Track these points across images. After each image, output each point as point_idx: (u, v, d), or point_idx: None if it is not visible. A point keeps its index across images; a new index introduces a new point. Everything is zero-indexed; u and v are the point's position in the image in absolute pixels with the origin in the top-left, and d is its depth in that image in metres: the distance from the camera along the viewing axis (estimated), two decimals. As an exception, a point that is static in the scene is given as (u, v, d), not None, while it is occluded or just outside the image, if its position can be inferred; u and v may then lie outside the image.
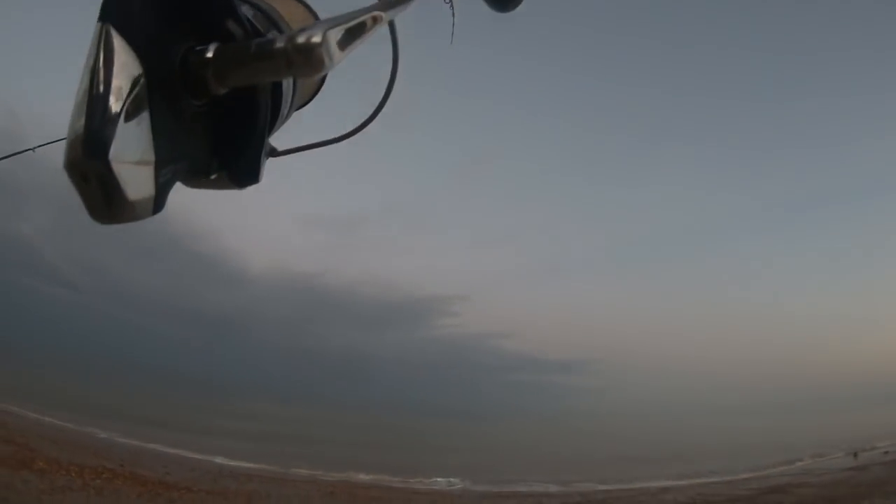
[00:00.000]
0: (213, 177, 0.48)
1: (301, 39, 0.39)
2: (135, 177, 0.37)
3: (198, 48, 0.42)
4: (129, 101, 0.36)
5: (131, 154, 0.36)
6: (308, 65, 0.39)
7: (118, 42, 0.36)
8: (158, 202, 0.39)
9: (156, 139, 0.38)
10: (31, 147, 3.43)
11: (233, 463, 13.16)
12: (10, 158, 3.54)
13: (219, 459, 13.42)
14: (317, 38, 0.39)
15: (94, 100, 0.35)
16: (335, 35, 0.40)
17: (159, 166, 0.39)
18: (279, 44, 0.39)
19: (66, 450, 9.42)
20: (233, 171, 0.48)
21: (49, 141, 3.30)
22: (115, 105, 0.35)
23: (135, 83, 0.36)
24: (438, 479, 14.08)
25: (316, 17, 0.62)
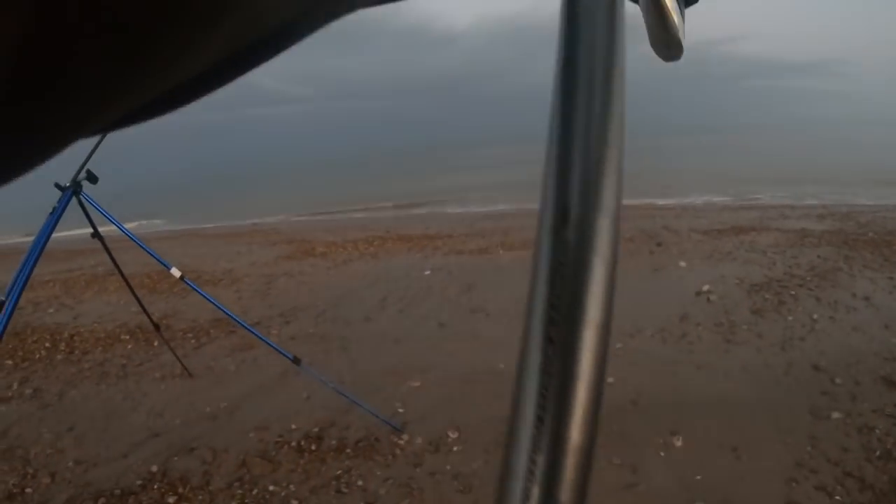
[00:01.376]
0: None
1: None
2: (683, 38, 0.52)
3: None
4: (674, 4, 0.51)
5: (682, 27, 0.53)
6: None
7: None
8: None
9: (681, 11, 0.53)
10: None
11: (485, 209, 13.81)
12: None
13: (473, 208, 14.21)
14: None
15: (670, 16, 0.50)
16: None
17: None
18: None
19: (338, 234, 10.46)
20: None
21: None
22: (681, 17, 0.52)
23: None
24: (680, 198, 13.84)
25: None
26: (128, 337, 5.54)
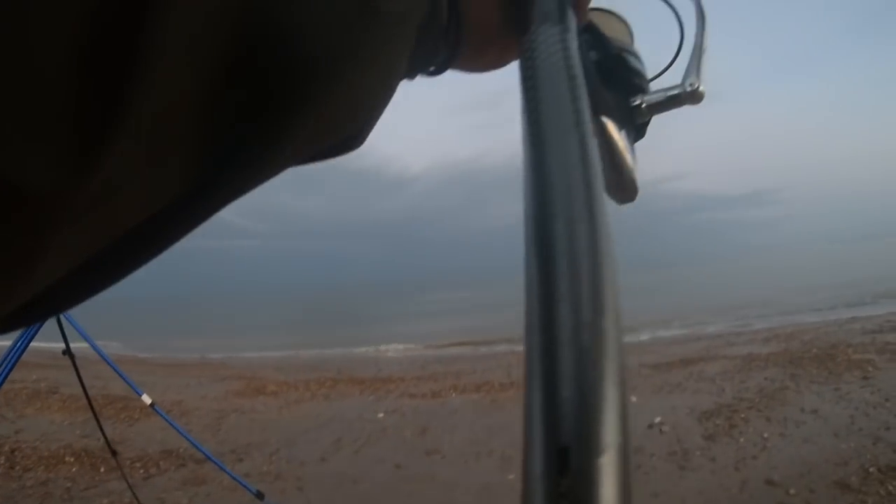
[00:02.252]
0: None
1: (695, 88, 0.57)
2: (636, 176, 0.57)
3: (633, 102, 0.59)
4: (626, 147, 0.56)
5: (635, 167, 0.57)
6: (696, 101, 0.57)
7: (607, 121, 0.54)
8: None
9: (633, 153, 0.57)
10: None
11: (436, 352, 13.82)
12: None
13: (422, 349, 14.20)
14: (702, 87, 0.57)
15: (623, 158, 0.55)
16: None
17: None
18: (679, 91, 0.57)
19: (289, 373, 10.33)
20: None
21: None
22: (633, 157, 0.57)
23: (620, 132, 0.55)
24: (628, 336, 14.00)
25: (629, 27, 0.71)
26: (72, 459, 5.30)
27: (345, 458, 5.60)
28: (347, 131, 0.33)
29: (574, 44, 0.40)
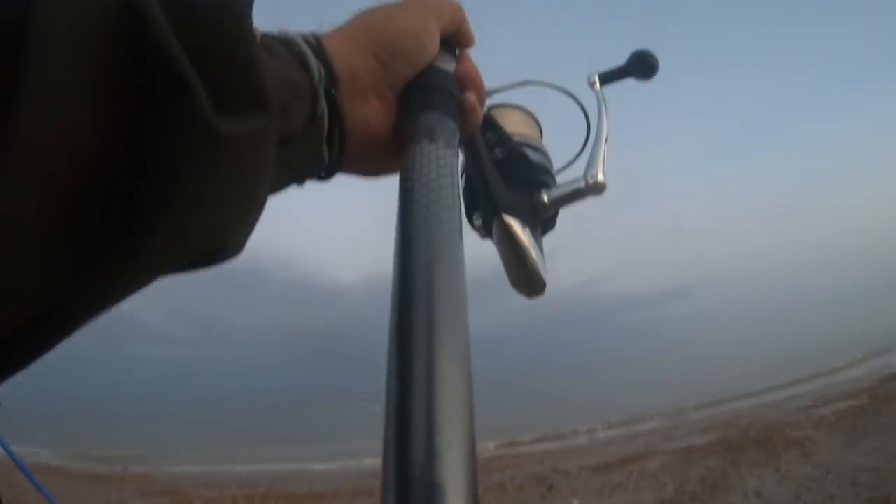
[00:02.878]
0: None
1: (596, 179, 0.60)
2: (544, 273, 0.59)
3: (536, 198, 0.61)
4: (532, 243, 0.58)
5: (542, 262, 0.59)
6: (598, 192, 0.61)
7: (511, 219, 0.58)
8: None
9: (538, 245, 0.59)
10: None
11: (371, 465, 13.42)
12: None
13: (353, 463, 13.67)
14: (602, 178, 0.60)
15: (528, 255, 0.57)
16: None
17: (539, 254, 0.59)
18: (581, 185, 0.60)
19: (216, 488, 9.89)
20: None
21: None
22: (540, 252, 0.59)
23: (525, 230, 0.58)
24: (566, 440, 14.09)
25: (537, 121, 0.72)
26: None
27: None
28: (215, 244, 0.34)
29: (453, 160, 0.41)
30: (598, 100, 0.75)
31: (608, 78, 0.81)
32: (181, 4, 0.29)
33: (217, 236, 0.33)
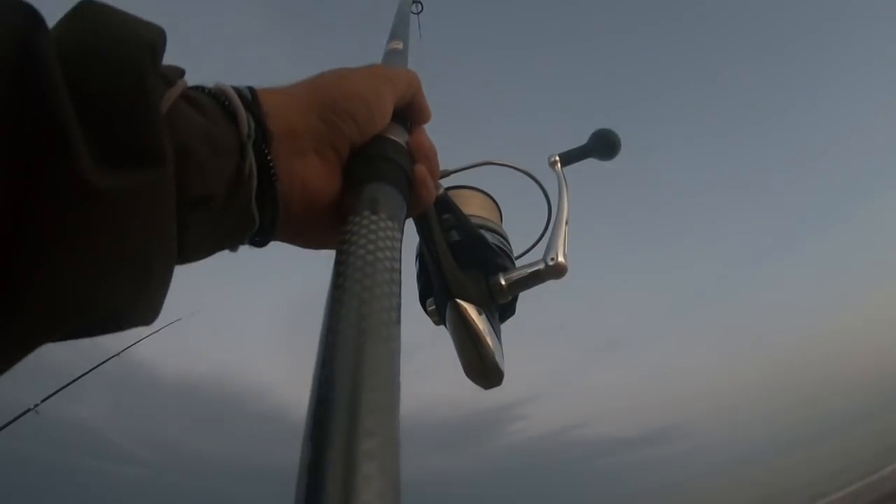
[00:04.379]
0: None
1: (556, 261, 0.60)
2: (501, 361, 0.56)
3: (493, 281, 0.60)
4: (487, 329, 0.56)
5: (499, 350, 0.56)
6: (559, 275, 0.60)
7: (465, 304, 0.55)
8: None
9: (496, 332, 0.58)
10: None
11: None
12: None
13: None
14: (563, 260, 0.60)
15: (483, 342, 0.55)
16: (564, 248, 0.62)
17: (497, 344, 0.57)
18: (541, 266, 0.60)
19: None
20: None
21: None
22: (496, 339, 0.57)
23: (481, 317, 0.56)
24: None
25: (496, 204, 0.72)
26: None
27: None
28: (104, 309, 0.31)
29: (395, 234, 0.39)
30: (558, 181, 0.75)
31: (569, 158, 0.83)
32: (81, 53, 0.30)
33: (105, 301, 0.31)
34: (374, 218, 0.39)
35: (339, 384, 0.26)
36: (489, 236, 0.64)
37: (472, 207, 0.66)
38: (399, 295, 0.34)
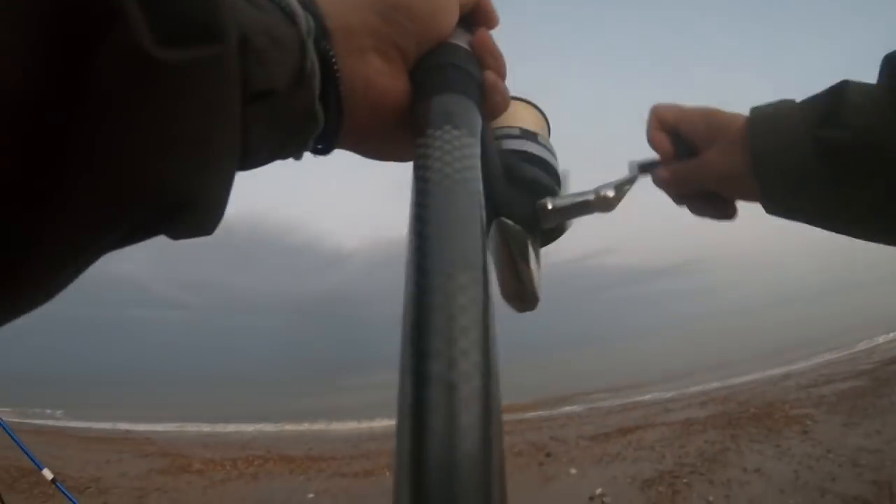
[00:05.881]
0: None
1: (607, 194, 0.58)
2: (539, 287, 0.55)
3: (541, 204, 0.56)
4: (529, 253, 0.53)
5: (537, 274, 0.55)
6: (608, 208, 0.59)
7: (509, 223, 0.53)
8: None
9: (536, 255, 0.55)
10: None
11: (369, 425, 13.43)
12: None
13: (354, 425, 13.71)
14: (612, 194, 0.58)
15: (522, 264, 0.53)
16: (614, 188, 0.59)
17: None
18: (591, 197, 0.58)
19: (216, 450, 9.85)
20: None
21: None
22: (536, 262, 0.55)
23: (525, 241, 0.54)
24: (565, 408, 14.15)
25: (546, 119, 0.68)
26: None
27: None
28: (171, 191, 0.30)
29: (475, 150, 0.37)
30: None
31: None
32: None
33: (169, 183, 0.30)
34: (455, 133, 0.37)
35: (433, 324, 0.26)
36: (540, 152, 0.61)
37: (522, 120, 0.64)
38: (483, 218, 0.33)
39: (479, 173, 0.36)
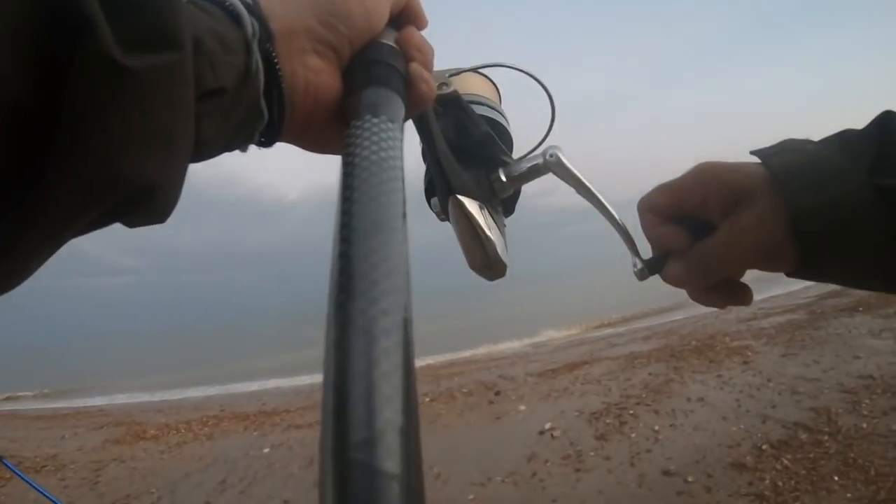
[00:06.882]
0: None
1: (554, 158, 0.61)
2: (504, 254, 0.59)
3: (494, 177, 0.63)
4: (489, 222, 0.58)
5: (501, 243, 0.60)
6: (558, 170, 0.61)
7: (465, 200, 0.58)
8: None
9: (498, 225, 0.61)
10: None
11: (320, 377, 13.42)
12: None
13: (307, 379, 13.72)
14: (560, 155, 0.61)
15: (484, 235, 0.58)
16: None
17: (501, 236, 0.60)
18: (540, 161, 0.62)
19: (169, 414, 9.84)
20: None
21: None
22: (500, 232, 0.61)
23: (482, 211, 0.59)
24: (512, 343, 14.25)
25: (495, 86, 0.72)
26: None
27: (230, 499, 5.29)
28: (136, 182, 0.33)
29: (395, 134, 0.40)
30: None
31: None
32: None
33: (134, 174, 0.32)
34: (374, 121, 0.40)
35: (356, 272, 0.28)
36: (490, 114, 0.67)
37: (472, 88, 0.68)
38: (403, 191, 0.36)
39: (398, 153, 0.38)
